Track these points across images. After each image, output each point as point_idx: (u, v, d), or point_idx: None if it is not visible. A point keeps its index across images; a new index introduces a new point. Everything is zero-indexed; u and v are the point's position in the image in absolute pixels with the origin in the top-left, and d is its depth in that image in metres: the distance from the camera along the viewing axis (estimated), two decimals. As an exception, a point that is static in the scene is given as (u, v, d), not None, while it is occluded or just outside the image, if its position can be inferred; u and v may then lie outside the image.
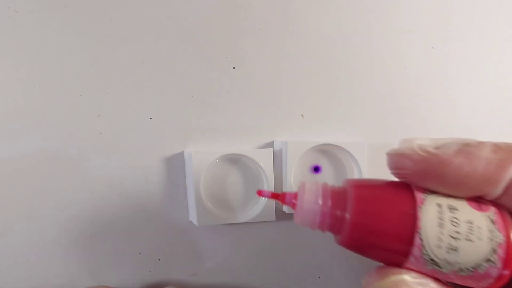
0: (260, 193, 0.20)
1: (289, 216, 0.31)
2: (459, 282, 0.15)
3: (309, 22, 0.31)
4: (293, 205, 0.18)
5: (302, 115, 0.32)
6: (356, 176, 0.31)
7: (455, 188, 0.15)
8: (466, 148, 0.15)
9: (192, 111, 0.29)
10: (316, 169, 0.31)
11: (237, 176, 0.30)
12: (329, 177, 0.31)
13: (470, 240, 0.14)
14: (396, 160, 0.16)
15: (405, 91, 0.34)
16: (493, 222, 0.15)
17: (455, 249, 0.15)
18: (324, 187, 0.18)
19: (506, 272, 0.14)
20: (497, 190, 0.15)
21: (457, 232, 0.15)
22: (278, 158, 0.31)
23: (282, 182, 0.31)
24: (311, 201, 0.17)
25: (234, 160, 0.30)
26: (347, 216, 0.16)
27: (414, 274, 0.16)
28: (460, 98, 0.35)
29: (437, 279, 0.16)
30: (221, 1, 0.29)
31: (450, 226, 0.15)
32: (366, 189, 0.17)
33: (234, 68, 0.30)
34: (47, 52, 0.26)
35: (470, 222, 0.15)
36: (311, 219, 0.18)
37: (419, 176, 0.16)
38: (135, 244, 0.30)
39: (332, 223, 0.17)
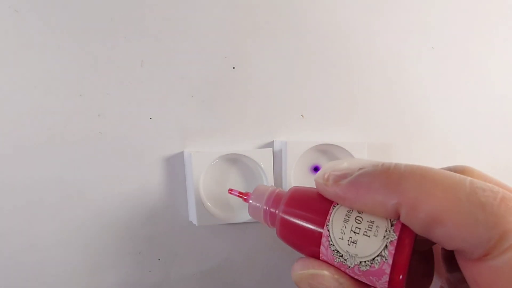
0: (230, 191, 0.25)
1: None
2: (364, 279, 0.17)
3: (309, 22, 0.31)
4: (247, 203, 0.23)
5: (302, 115, 0.32)
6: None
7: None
8: (361, 181, 0.17)
9: (192, 111, 0.29)
10: (316, 169, 0.31)
11: (237, 176, 0.30)
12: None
13: (367, 236, 0.17)
14: (316, 184, 0.19)
15: (405, 91, 0.34)
16: (392, 224, 0.17)
17: (354, 242, 0.17)
18: (272, 190, 0.22)
19: (401, 277, 0.16)
20: (386, 215, 0.17)
21: (358, 228, 0.17)
22: (278, 158, 0.31)
23: (282, 182, 0.31)
24: (258, 200, 0.22)
25: (234, 160, 0.30)
26: (278, 213, 0.20)
27: (333, 270, 0.18)
28: (460, 98, 0.35)
29: (353, 279, 0.18)
30: (221, 1, 0.29)
31: (354, 223, 0.17)
32: (298, 193, 0.20)
33: (234, 68, 0.30)
34: (47, 52, 0.26)
35: (371, 222, 0.17)
36: (257, 214, 0.23)
37: (329, 198, 0.19)
38: (135, 244, 0.30)
39: (271, 219, 0.22)
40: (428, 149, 0.35)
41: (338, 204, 0.18)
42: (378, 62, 0.33)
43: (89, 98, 0.27)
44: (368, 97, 0.33)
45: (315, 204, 0.19)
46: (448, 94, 0.35)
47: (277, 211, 0.21)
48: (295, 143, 0.29)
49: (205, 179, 0.29)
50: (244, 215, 0.30)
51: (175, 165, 0.30)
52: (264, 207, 0.22)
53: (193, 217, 0.29)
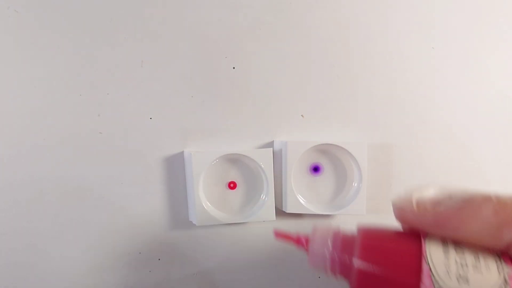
0: (278, 235, 0.21)
1: (289, 216, 0.31)
2: None
3: (309, 22, 0.31)
4: (306, 250, 0.19)
5: (302, 115, 0.32)
6: (356, 175, 0.31)
7: (454, 240, 0.16)
8: (466, 206, 0.15)
9: (192, 111, 0.29)
10: (316, 169, 0.31)
11: (237, 176, 0.30)
12: (328, 177, 0.31)
13: (479, 271, 0.14)
14: (398, 212, 0.17)
15: (405, 91, 0.34)
16: (499, 256, 0.15)
17: (465, 279, 0.14)
18: (336, 232, 0.19)
19: None
20: (497, 246, 0.15)
21: (464, 261, 0.15)
22: (278, 158, 0.31)
23: (281, 182, 0.31)
24: (322, 246, 0.18)
25: (234, 160, 0.30)
26: (354, 263, 0.17)
27: None
28: (460, 98, 0.35)
29: None
30: (221, 1, 0.29)
31: (455, 255, 0.15)
32: (374, 237, 0.17)
33: (234, 68, 0.30)
34: (47, 52, 0.26)
35: (475, 253, 0.15)
36: (322, 263, 0.18)
37: (420, 229, 0.16)
38: (135, 244, 0.30)
39: (342, 269, 0.18)
40: (428, 149, 0.35)
41: (427, 236, 0.16)
42: (378, 62, 0.33)
43: (89, 98, 0.27)
44: (368, 97, 0.33)
45: (399, 241, 0.16)
46: (449, 94, 0.35)
47: (350, 259, 0.17)
48: (295, 143, 0.29)
49: (205, 179, 0.29)
50: (244, 215, 0.30)
51: (175, 165, 0.30)
52: (331, 255, 0.18)
53: (193, 217, 0.29)
